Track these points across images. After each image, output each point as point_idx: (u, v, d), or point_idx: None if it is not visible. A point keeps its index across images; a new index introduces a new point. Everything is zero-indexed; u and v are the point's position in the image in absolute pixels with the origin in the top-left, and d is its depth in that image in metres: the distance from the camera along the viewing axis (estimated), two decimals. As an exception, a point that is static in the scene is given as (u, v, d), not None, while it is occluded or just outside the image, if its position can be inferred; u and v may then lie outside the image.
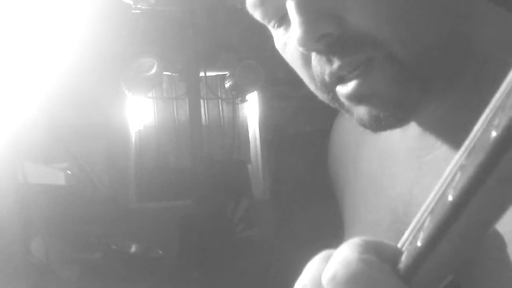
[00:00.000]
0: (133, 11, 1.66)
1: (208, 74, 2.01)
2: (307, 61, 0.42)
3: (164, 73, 1.83)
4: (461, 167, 0.22)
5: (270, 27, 0.48)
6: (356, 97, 0.40)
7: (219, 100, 2.24)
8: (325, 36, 0.38)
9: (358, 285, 0.25)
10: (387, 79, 0.38)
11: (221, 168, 1.97)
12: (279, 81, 2.11)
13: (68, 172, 1.49)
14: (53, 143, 1.71)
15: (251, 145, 2.29)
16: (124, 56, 1.74)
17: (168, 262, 1.72)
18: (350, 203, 0.60)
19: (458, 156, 0.23)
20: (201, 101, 1.98)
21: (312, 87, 0.46)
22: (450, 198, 0.23)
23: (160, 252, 1.68)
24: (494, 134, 0.20)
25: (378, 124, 0.41)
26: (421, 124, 0.47)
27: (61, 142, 1.73)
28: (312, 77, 0.43)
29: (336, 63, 0.39)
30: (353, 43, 0.38)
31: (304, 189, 1.97)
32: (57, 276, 1.45)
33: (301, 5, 0.38)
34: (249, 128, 2.30)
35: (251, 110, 2.27)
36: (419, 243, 0.25)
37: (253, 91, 2.06)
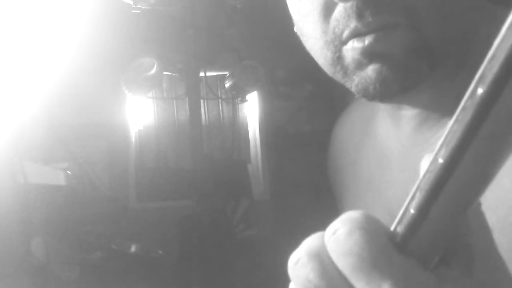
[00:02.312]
0: (133, 11, 1.66)
1: (208, 74, 2.01)
2: (327, 13, 0.41)
3: (164, 73, 1.83)
4: (451, 132, 0.22)
5: None
6: (371, 53, 0.40)
7: (219, 100, 2.24)
8: None
9: (357, 240, 0.24)
10: (404, 45, 0.39)
11: (221, 168, 1.97)
12: (279, 81, 2.11)
13: (68, 172, 1.49)
14: (53, 143, 1.71)
15: (251, 145, 2.29)
16: (124, 56, 1.74)
17: (168, 262, 1.72)
18: (349, 204, 0.61)
19: (449, 124, 0.22)
20: (201, 101, 1.98)
21: (319, 43, 0.44)
22: (440, 160, 0.22)
23: (160, 252, 1.67)
24: (480, 90, 0.20)
25: (382, 86, 0.40)
26: (414, 118, 0.47)
27: (61, 142, 1.73)
28: (326, 31, 0.42)
29: (368, 18, 0.38)
30: (389, 4, 0.38)
31: (304, 189, 1.97)
32: (57, 276, 1.45)
33: None
34: (249, 128, 2.30)
35: (251, 110, 2.27)
36: (411, 211, 0.24)
37: (253, 91, 2.06)
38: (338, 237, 0.25)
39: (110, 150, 1.95)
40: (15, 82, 1.39)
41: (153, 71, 1.75)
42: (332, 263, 0.25)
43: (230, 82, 1.99)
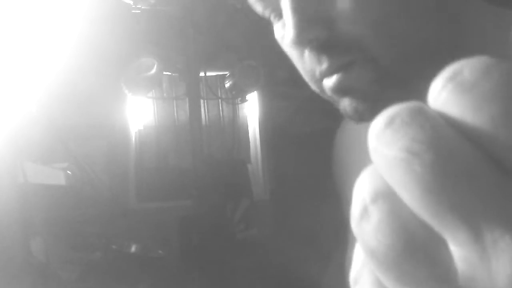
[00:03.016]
0: (133, 11, 1.66)
1: (208, 74, 2.01)
2: (301, 55, 0.46)
3: (164, 73, 1.83)
4: None
5: (270, 19, 0.50)
6: (339, 90, 0.44)
7: (219, 100, 2.24)
8: (316, 38, 0.41)
9: None
10: (366, 79, 0.42)
11: (221, 168, 1.97)
12: (279, 81, 2.11)
13: (68, 172, 1.49)
14: (53, 143, 1.71)
15: (251, 145, 2.29)
16: (124, 56, 1.74)
17: (168, 262, 1.72)
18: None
19: None
20: (201, 101, 1.98)
21: (306, 78, 0.49)
22: None
23: (160, 252, 1.68)
24: None
25: (358, 116, 0.44)
26: None
27: (61, 142, 1.73)
28: (305, 71, 0.47)
29: (324, 63, 0.43)
30: (341, 46, 0.41)
31: (304, 189, 1.97)
32: (57, 276, 1.45)
33: (295, 6, 0.41)
34: (249, 128, 2.30)
35: (251, 110, 2.26)
36: None
37: (253, 91, 2.06)
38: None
39: (110, 150, 1.95)
40: (15, 81, 1.39)
41: (153, 71, 1.75)
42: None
43: (230, 82, 1.99)
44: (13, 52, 1.36)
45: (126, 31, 1.70)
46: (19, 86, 1.41)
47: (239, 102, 2.21)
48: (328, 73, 0.43)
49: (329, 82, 0.44)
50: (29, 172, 1.39)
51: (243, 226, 1.92)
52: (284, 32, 0.46)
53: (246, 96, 2.09)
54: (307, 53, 0.44)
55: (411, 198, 0.15)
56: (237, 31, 1.85)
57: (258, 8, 0.49)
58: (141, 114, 2.16)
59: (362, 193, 0.17)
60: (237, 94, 2.06)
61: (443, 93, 0.16)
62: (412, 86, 0.41)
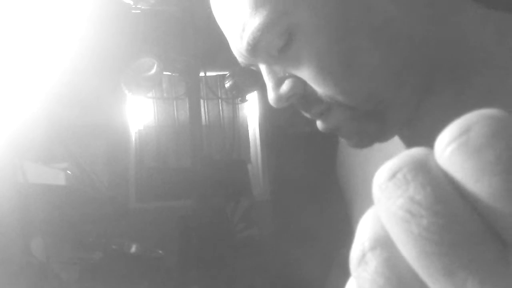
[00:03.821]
0: (133, 11, 1.66)
1: (208, 74, 2.01)
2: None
3: (164, 73, 1.83)
4: None
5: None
6: (327, 130, 0.49)
7: (219, 100, 2.24)
8: (293, 96, 0.47)
9: None
10: (344, 118, 0.47)
11: (221, 168, 1.97)
12: (279, 81, 2.10)
13: (68, 172, 1.49)
14: (53, 143, 1.71)
15: (251, 145, 2.29)
16: (124, 56, 1.74)
17: (168, 262, 1.72)
18: (359, 207, 0.61)
19: None
20: (201, 101, 1.98)
21: None
22: None
23: (160, 252, 1.68)
24: None
25: (355, 146, 0.50)
26: (416, 126, 0.48)
27: (61, 142, 1.73)
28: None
29: (307, 113, 0.48)
30: (314, 100, 0.47)
31: (304, 189, 1.97)
32: (57, 276, 1.45)
33: (269, 73, 0.48)
34: (249, 128, 2.30)
35: (251, 110, 2.27)
36: None
37: (253, 91, 2.06)
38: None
39: (110, 150, 1.95)
40: (15, 82, 1.39)
41: (153, 71, 1.75)
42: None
43: (230, 82, 1.99)
44: (14, 52, 1.36)
45: (126, 31, 1.70)
46: (19, 86, 1.41)
47: (239, 102, 2.21)
48: (313, 118, 0.49)
49: (318, 124, 0.49)
50: (29, 172, 1.39)
51: (243, 226, 1.92)
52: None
53: (246, 96, 2.09)
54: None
55: (408, 256, 0.15)
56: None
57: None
58: (141, 114, 2.16)
59: (362, 237, 0.17)
60: (237, 94, 2.06)
61: (447, 151, 0.15)
62: (396, 115, 0.46)
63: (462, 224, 0.14)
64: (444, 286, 0.14)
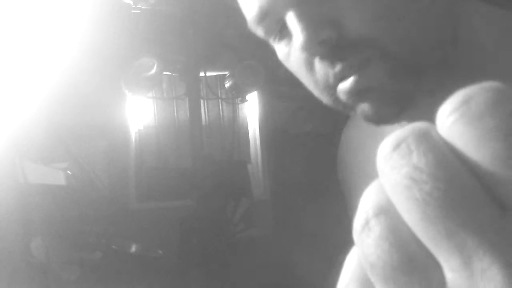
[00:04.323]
0: (133, 11, 1.66)
1: (208, 74, 2.01)
2: (310, 67, 0.45)
3: (164, 73, 1.83)
4: None
5: (272, 42, 0.49)
6: (355, 92, 0.42)
7: (219, 100, 2.24)
8: (326, 41, 0.40)
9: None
10: (383, 75, 0.41)
11: (221, 168, 1.97)
12: (279, 81, 2.11)
13: (68, 172, 1.49)
14: (53, 143, 1.71)
15: (251, 145, 2.29)
16: (124, 56, 1.74)
17: (168, 262, 1.72)
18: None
19: None
20: (201, 101, 1.98)
21: (316, 92, 0.48)
22: None
23: (160, 252, 1.68)
24: None
25: (378, 117, 0.44)
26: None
27: (61, 142, 1.73)
28: (316, 82, 0.45)
29: (338, 65, 0.41)
30: (352, 46, 0.40)
31: (304, 189, 1.97)
32: (57, 276, 1.45)
33: (301, 13, 0.41)
34: (249, 128, 2.30)
35: (251, 110, 2.27)
36: None
37: (253, 91, 2.06)
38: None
39: (110, 150, 1.95)
40: (15, 82, 1.39)
41: (153, 71, 1.75)
42: None
43: (230, 82, 1.99)
44: (14, 53, 1.36)
45: (126, 31, 1.70)
46: (19, 86, 1.41)
47: (239, 102, 2.21)
48: (343, 74, 0.42)
49: (345, 85, 0.42)
50: (29, 172, 1.39)
51: (243, 226, 1.92)
52: (289, 48, 0.46)
53: (246, 96, 2.09)
54: (317, 61, 0.43)
55: (411, 221, 0.16)
56: (237, 31, 1.85)
57: (260, 32, 0.48)
58: (141, 114, 2.16)
59: (366, 206, 0.17)
60: (237, 94, 2.06)
61: (449, 120, 0.16)
62: (426, 81, 0.43)
63: (462, 188, 0.15)
64: (445, 248, 0.15)
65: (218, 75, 2.13)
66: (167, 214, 1.91)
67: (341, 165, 0.70)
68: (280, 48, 0.48)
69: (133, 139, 2.09)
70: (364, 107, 0.44)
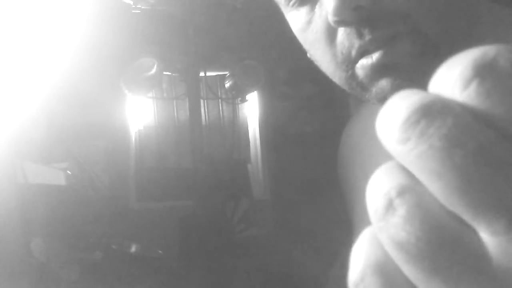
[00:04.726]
0: (133, 11, 1.66)
1: (208, 74, 2.01)
2: (332, 38, 0.43)
3: (164, 73, 1.83)
4: None
5: (288, 7, 0.47)
6: (379, 68, 0.41)
7: (219, 100, 2.24)
8: (361, 7, 0.38)
9: None
10: (411, 52, 0.40)
11: (221, 168, 1.97)
12: (279, 81, 2.11)
13: (68, 172, 1.49)
14: (53, 143, 1.71)
15: (251, 145, 2.29)
16: (124, 56, 1.74)
17: (168, 262, 1.72)
18: (361, 206, 0.60)
19: None
20: (201, 101, 1.98)
21: (330, 68, 0.45)
22: None
23: (160, 252, 1.68)
24: None
25: (385, 96, 0.42)
26: None
27: (61, 142, 1.73)
28: (334, 55, 0.44)
29: (367, 37, 0.39)
30: (384, 18, 0.39)
31: (304, 189, 1.97)
32: (57, 276, 1.45)
33: None
34: (249, 128, 2.30)
35: (251, 110, 2.27)
36: None
37: (253, 91, 2.06)
38: None
39: (110, 150, 1.95)
40: (15, 82, 1.39)
41: (153, 71, 1.75)
42: None
43: (230, 82, 1.99)
44: (14, 52, 1.36)
45: (126, 31, 1.71)
46: (19, 86, 1.41)
47: (239, 102, 2.21)
48: (368, 47, 0.40)
49: (369, 59, 0.41)
50: (29, 172, 1.39)
51: (243, 226, 1.92)
52: (311, 16, 0.44)
53: (246, 96, 2.09)
54: (342, 30, 0.41)
55: (445, 189, 0.15)
56: (237, 31, 1.85)
57: None
58: (141, 114, 2.16)
59: (384, 188, 0.17)
60: (237, 94, 2.06)
61: (474, 83, 0.15)
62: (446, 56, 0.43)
63: (503, 148, 0.15)
64: (488, 210, 0.14)
65: (218, 75, 2.13)
66: (167, 214, 1.91)
67: (342, 164, 0.70)
68: (298, 16, 0.46)
69: (133, 139, 2.09)
70: (383, 84, 0.42)
